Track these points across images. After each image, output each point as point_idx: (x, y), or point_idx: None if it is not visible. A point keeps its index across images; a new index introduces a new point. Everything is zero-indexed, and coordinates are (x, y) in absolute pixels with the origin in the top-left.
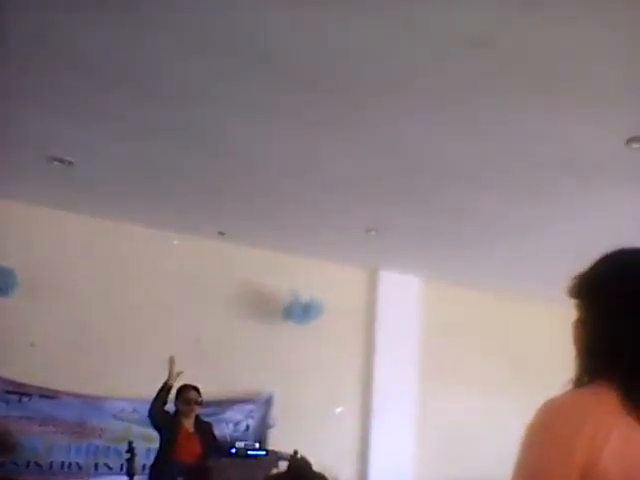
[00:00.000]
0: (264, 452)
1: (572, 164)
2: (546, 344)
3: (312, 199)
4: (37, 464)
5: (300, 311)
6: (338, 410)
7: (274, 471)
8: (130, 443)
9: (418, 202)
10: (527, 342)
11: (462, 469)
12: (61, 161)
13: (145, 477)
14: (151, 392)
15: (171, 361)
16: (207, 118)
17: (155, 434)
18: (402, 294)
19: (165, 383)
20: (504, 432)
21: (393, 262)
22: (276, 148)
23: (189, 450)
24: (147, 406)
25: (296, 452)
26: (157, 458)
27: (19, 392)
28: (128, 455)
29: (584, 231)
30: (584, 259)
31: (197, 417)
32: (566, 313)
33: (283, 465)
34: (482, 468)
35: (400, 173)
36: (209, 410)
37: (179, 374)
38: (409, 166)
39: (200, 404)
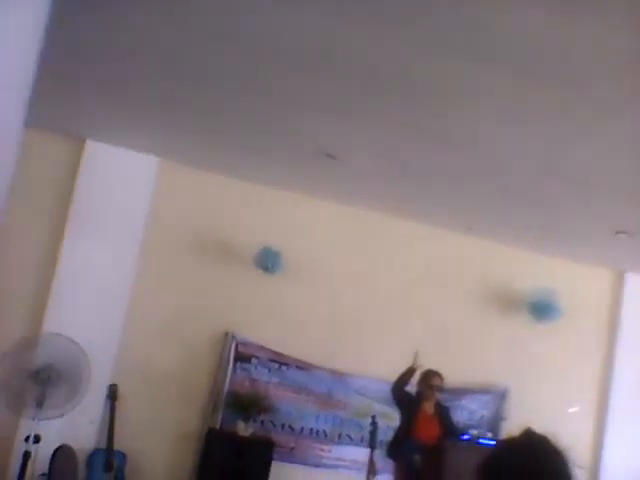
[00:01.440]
0: (494, 442)
1: None
2: None
3: (558, 199)
4: (290, 427)
5: (543, 308)
6: (572, 410)
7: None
8: (373, 417)
9: None
10: None
11: None
12: (329, 156)
13: (383, 451)
14: (392, 374)
15: (416, 355)
16: (462, 118)
17: (394, 413)
18: None
19: (410, 366)
20: None
21: None
22: (526, 149)
23: (427, 431)
24: (388, 386)
25: None
26: (396, 435)
27: (279, 361)
28: (371, 428)
29: None
30: None
31: (437, 401)
32: None
33: None
34: None
35: None
36: (447, 396)
37: (421, 367)
38: None
39: (441, 390)
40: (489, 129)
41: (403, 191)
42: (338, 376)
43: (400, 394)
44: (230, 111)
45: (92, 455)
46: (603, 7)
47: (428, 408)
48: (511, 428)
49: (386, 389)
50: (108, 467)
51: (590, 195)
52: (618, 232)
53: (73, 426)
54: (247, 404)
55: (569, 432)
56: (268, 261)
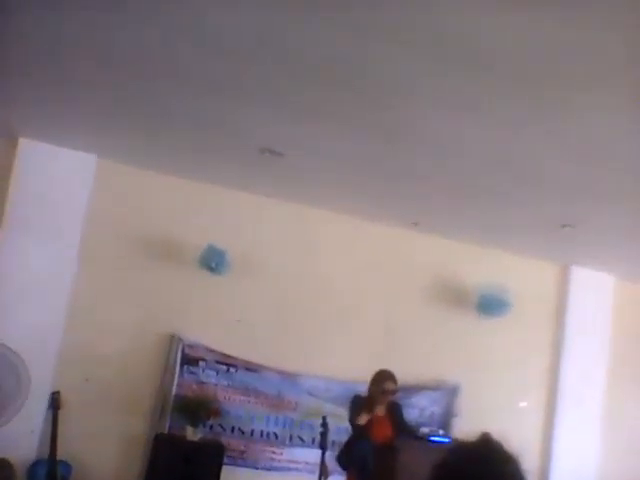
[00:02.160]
0: (447, 439)
1: None
2: None
3: (505, 193)
4: (240, 430)
5: (492, 303)
6: (522, 404)
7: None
8: (324, 418)
9: (619, 201)
10: None
11: None
12: (274, 152)
13: (335, 452)
14: (342, 373)
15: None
16: (410, 112)
17: (345, 413)
18: (594, 291)
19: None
20: None
21: (586, 258)
22: (474, 142)
23: (380, 432)
24: (337, 386)
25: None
26: (350, 437)
27: (227, 363)
28: (322, 429)
29: None
30: None
31: (389, 401)
32: None
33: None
34: None
35: (599, 173)
36: (397, 394)
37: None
38: (608, 165)
39: (395, 393)
40: (438, 123)
41: (351, 188)
42: (288, 377)
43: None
44: (170, 108)
45: (34, 466)
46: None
47: (380, 411)
48: (462, 424)
49: (337, 389)
50: (51, 478)
51: (536, 188)
52: (564, 225)
53: (13, 437)
54: (195, 408)
55: (519, 426)
56: (212, 260)
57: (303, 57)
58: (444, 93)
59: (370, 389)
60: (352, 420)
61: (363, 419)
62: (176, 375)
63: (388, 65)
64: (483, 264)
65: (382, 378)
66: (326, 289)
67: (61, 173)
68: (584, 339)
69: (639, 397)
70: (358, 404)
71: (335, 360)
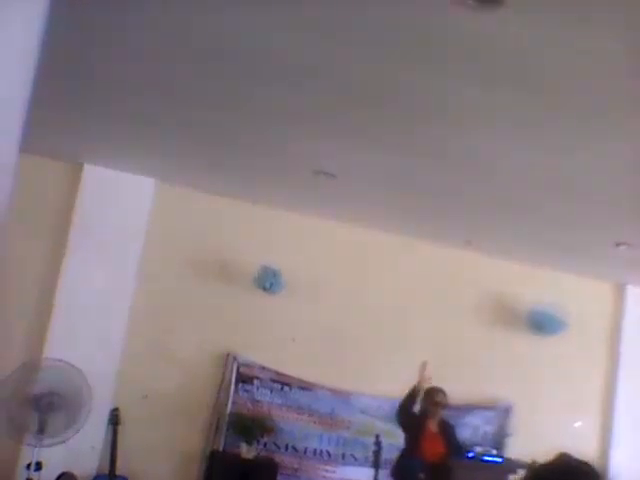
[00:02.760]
0: (500, 459)
1: None
2: None
3: (555, 212)
4: (294, 448)
5: (545, 322)
6: (577, 424)
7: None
8: (377, 437)
9: None
10: None
11: None
12: (327, 174)
13: (388, 470)
14: (395, 392)
15: (423, 366)
16: (460, 133)
17: (398, 431)
18: None
19: (415, 386)
20: None
21: None
22: (524, 161)
23: (432, 449)
24: (389, 404)
25: (534, 462)
26: (401, 455)
27: (281, 382)
28: (375, 448)
29: None
30: None
31: (441, 419)
32: None
33: (521, 472)
34: None
35: None
36: (450, 413)
37: (430, 379)
38: None
39: (446, 407)
40: (488, 143)
41: (402, 207)
42: (341, 395)
43: (405, 418)
44: (227, 132)
45: None
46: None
47: (432, 426)
48: (515, 444)
49: (389, 407)
50: None
51: (590, 207)
52: (619, 244)
53: (75, 452)
54: (250, 426)
55: (574, 445)
56: (267, 280)
57: (351, 80)
58: (490, 112)
59: (422, 403)
60: (405, 408)
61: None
62: (231, 393)
63: (437, 84)
64: (537, 283)
65: (433, 391)
66: (377, 308)
67: (122, 196)
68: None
69: None
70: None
71: (387, 379)
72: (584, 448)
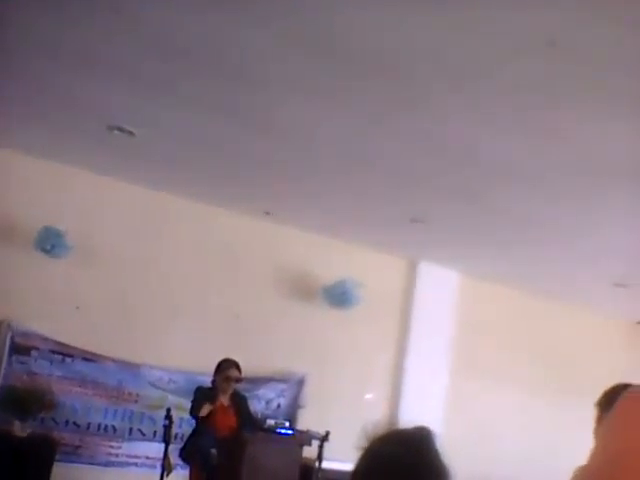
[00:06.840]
0: (293, 431)
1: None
2: (578, 344)
3: (360, 186)
4: (75, 424)
5: (340, 295)
6: (368, 396)
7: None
8: (168, 410)
9: (466, 198)
10: (560, 342)
11: (487, 466)
12: (124, 131)
13: (178, 445)
14: (187, 364)
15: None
16: (267, 98)
17: (189, 404)
18: (440, 287)
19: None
20: (534, 430)
21: (434, 254)
22: (330, 132)
23: (224, 423)
24: (183, 377)
25: (328, 433)
26: (192, 433)
27: (62, 353)
28: (165, 422)
29: (630, 237)
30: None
31: (233, 391)
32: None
33: (315, 444)
34: (509, 466)
35: (449, 170)
36: (243, 386)
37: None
38: (459, 163)
39: (239, 381)
40: (297, 112)
41: (206, 174)
42: (129, 367)
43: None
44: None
45: None
46: None
47: (224, 400)
48: (308, 416)
49: (183, 380)
50: None
51: (387, 180)
52: (413, 220)
53: None
54: (24, 400)
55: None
56: (48, 242)
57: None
58: (297, 80)
59: (214, 378)
60: (193, 412)
61: (204, 410)
62: (3, 365)
63: (249, 51)
64: (334, 257)
65: (226, 366)
66: (170, 277)
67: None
68: (429, 333)
69: (481, 392)
70: (201, 396)
71: (179, 350)
72: (374, 418)
